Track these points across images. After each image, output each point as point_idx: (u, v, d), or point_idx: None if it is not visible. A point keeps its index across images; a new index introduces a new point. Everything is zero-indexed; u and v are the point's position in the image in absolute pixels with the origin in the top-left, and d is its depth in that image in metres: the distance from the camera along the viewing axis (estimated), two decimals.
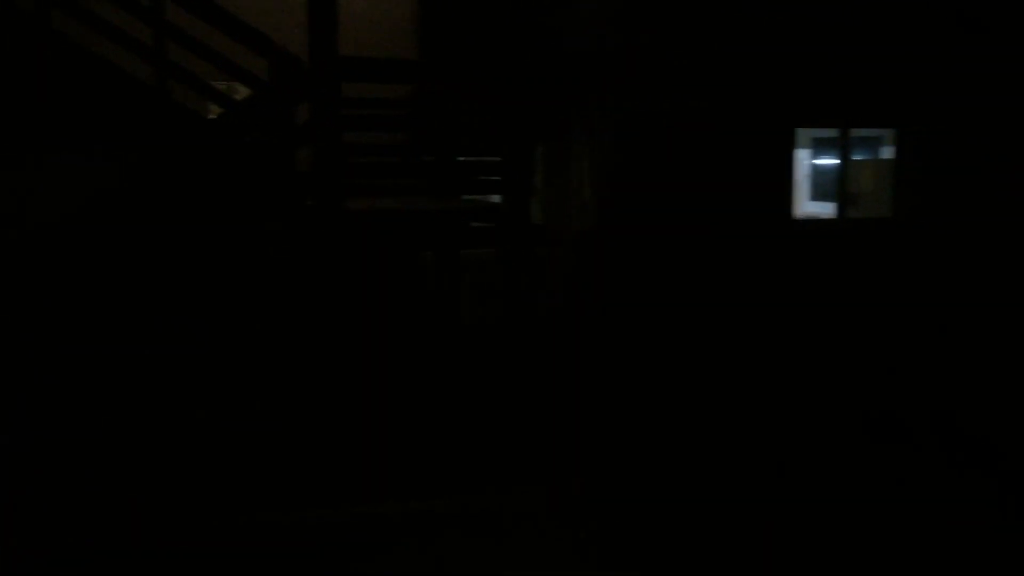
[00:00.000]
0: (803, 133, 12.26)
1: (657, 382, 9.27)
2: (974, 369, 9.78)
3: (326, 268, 7.21)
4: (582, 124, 10.11)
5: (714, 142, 10.18)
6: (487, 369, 8.29)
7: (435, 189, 8.40)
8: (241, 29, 7.59)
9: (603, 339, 9.54)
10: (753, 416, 8.53)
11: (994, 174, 11.08)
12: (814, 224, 11.74)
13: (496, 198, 8.68)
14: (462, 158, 8.38)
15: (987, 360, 10.03)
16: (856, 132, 11.57)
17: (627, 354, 9.46)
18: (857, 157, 12.06)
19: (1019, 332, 10.37)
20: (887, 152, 12.10)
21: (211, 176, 7.40)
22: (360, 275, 7.57)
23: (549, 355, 8.70)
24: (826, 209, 11.92)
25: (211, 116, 10.37)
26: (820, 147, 12.93)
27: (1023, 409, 8.43)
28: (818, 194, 12.93)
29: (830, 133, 11.66)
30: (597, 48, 9.87)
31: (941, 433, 7.89)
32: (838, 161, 11.33)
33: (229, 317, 7.30)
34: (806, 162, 13.15)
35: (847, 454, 7.28)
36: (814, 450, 7.41)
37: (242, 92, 9.56)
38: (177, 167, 7.37)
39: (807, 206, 13.06)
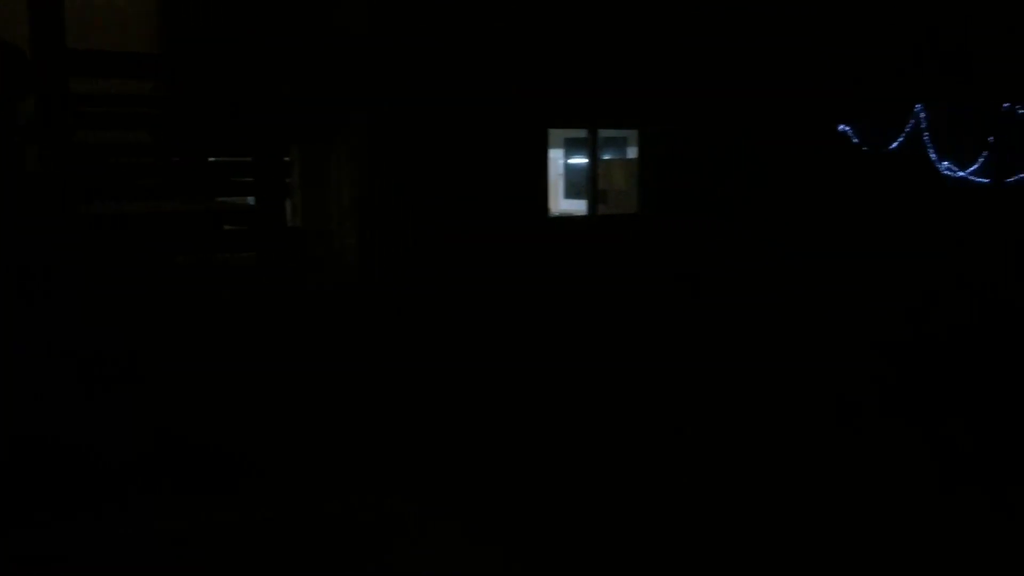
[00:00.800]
0: (556, 134, 12.80)
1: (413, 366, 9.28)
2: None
3: (55, 279, 6.65)
4: (342, 124, 10.00)
5: (472, 143, 10.41)
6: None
7: (186, 191, 8.00)
8: None
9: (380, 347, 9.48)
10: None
11: (725, 171, 12.12)
12: (568, 221, 12.30)
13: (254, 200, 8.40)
14: (213, 159, 8.03)
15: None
16: (604, 133, 12.25)
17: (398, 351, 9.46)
18: (606, 157, 12.76)
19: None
20: (633, 152, 12.91)
21: None
22: (98, 284, 7.04)
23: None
24: (578, 206, 12.53)
25: None
26: (572, 147, 13.55)
27: None
28: (571, 192, 13.57)
29: (581, 133, 12.26)
30: (356, 48, 9.80)
31: None
32: (588, 161, 11.94)
33: None
34: (560, 162, 13.75)
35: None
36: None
37: None
38: None
39: (562, 204, 13.67)
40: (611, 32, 11.19)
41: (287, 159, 8.43)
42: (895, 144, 13.73)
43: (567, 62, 10.95)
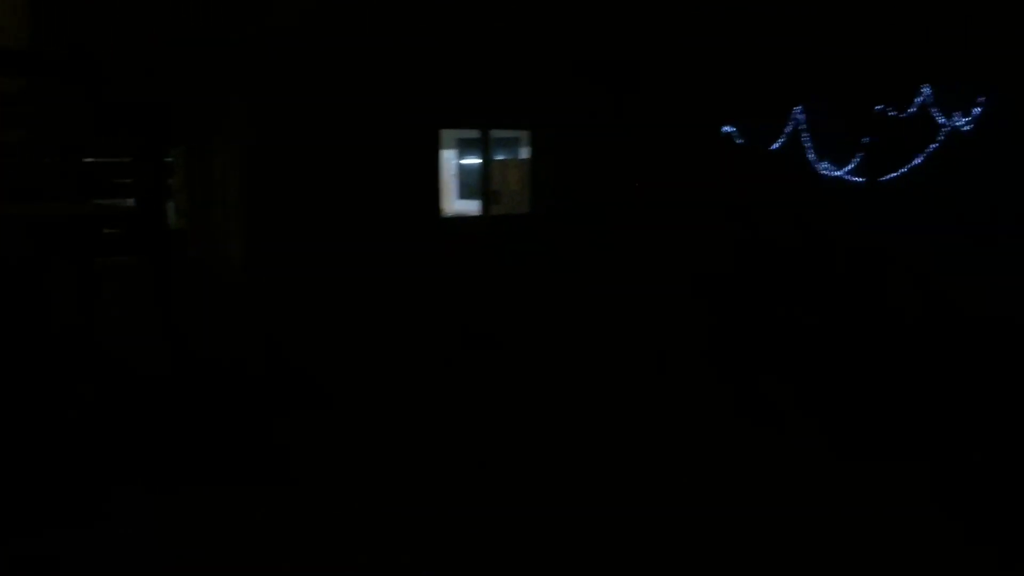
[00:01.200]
0: (450, 135, 12.82)
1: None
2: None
3: None
4: (226, 123, 9.78)
5: (362, 142, 10.31)
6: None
7: (62, 193, 7.70)
8: None
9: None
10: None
11: (612, 173, 12.37)
12: (461, 221, 12.33)
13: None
14: (90, 159, 7.77)
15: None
16: (497, 133, 12.33)
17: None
18: (498, 157, 12.85)
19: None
20: (525, 152, 13.03)
21: None
22: None
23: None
24: (472, 206, 12.58)
25: None
26: (465, 148, 13.58)
27: None
28: (465, 193, 13.59)
29: (474, 134, 12.31)
30: (239, 45, 9.59)
31: None
32: (481, 161, 12.01)
33: None
34: (453, 162, 13.75)
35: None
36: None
37: None
38: None
39: (456, 204, 13.68)
40: (503, 34, 11.27)
41: (168, 160, 8.22)
42: (776, 144, 14.25)
43: (459, 63, 10.99)
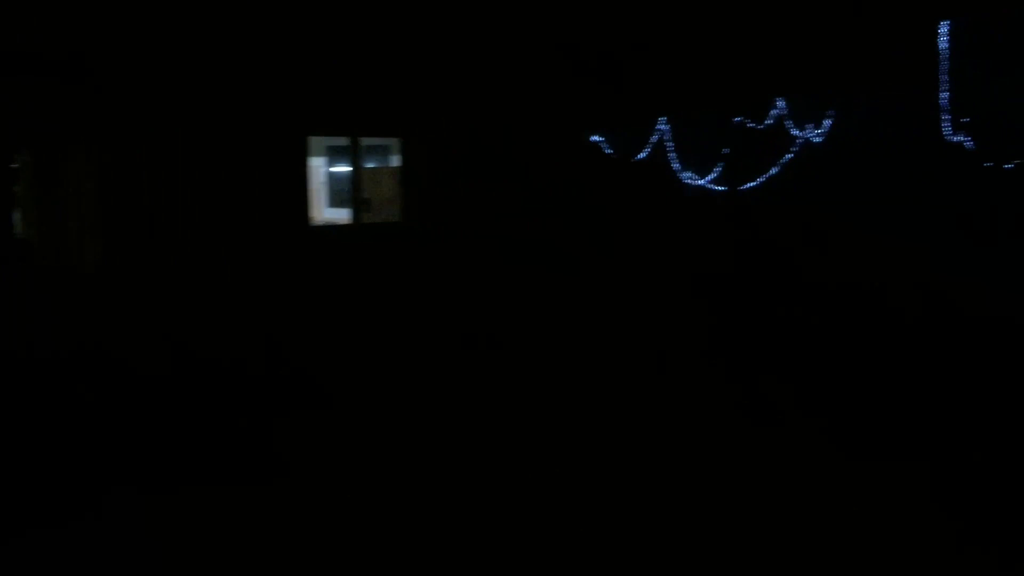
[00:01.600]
0: (320, 142, 12.66)
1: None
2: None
3: None
4: (80, 130, 9.34)
5: (226, 149, 10.05)
6: None
7: None
8: None
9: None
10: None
11: (483, 181, 12.45)
12: (331, 229, 12.18)
13: None
14: None
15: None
16: (368, 141, 12.24)
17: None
18: (370, 165, 12.77)
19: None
20: (396, 160, 13.00)
21: None
22: None
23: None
24: (343, 215, 12.43)
25: None
26: (335, 155, 13.41)
27: None
28: (336, 201, 13.41)
29: (344, 141, 12.19)
30: (92, 46, 9.18)
31: None
32: (351, 169, 11.88)
33: None
34: (323, 170, 13.57)
35: None
36: None
37: None
38: None
39: (326, 213, 13.49)
40: (372, 41, 11.20)
41: (14, 166, 7.80)
42: (642, 154, 14.67)
43: (327, 70, 10.85)
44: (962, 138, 11.28)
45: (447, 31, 11.89)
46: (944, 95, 11.40)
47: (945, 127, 11.38)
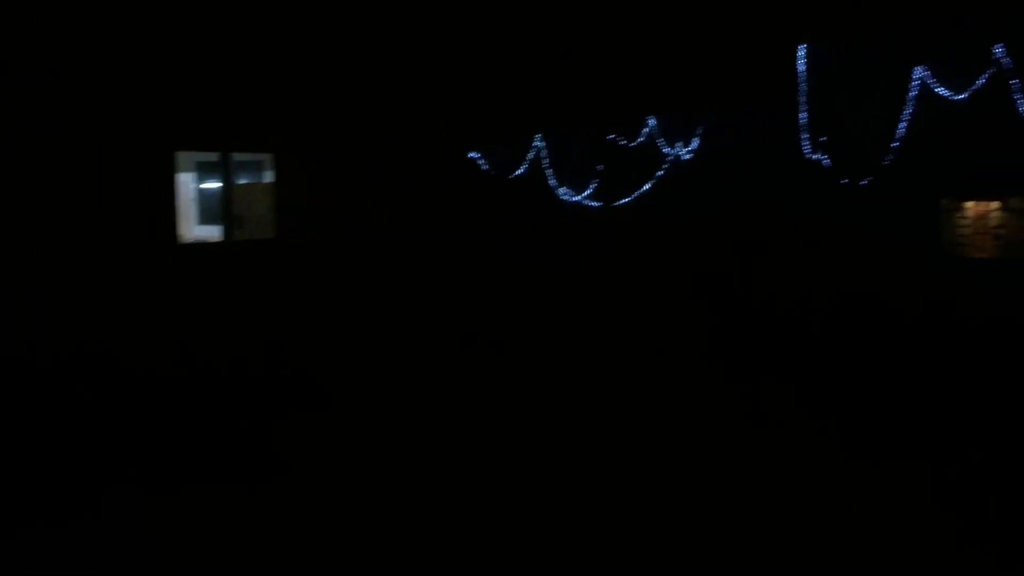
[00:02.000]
0: (188, 158, 12.19)
1: None
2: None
3: None
4: None
5: (87, 163, 9.58)
6: None
7: None
8: None
9: None
10: None
11: (364, 193, 12.31)
12: (201, 247, 11.76)
13: None
14: None
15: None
16: (240, 156, 11.90)
17: None
18: (242, 181, 12.39)
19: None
20: (271, 176, 12.66)
21: None
22: None
23: None
24: (214, 232, 12.03)
25: None
26: (205, 171, 12.96)
27: None
28: (207, 218, 12.96)
29: (215, 157, 11.80)
30: None
31: None
32: (222, 185, 11.53)
33: None
34: (192, 186, 13.08)
35: None
36: None
37: None
38: None
39: (196, 230, 13.01)
40: (243, 55, 10.92)
41: None
42: (520, 171, 14.83)
43: (196, 82, 10.51)
44: (820, 156, 11.89)
45: (320, 46, 11.72)
46: (803, 115, 12.00)
47: (805, 146, 11.98)
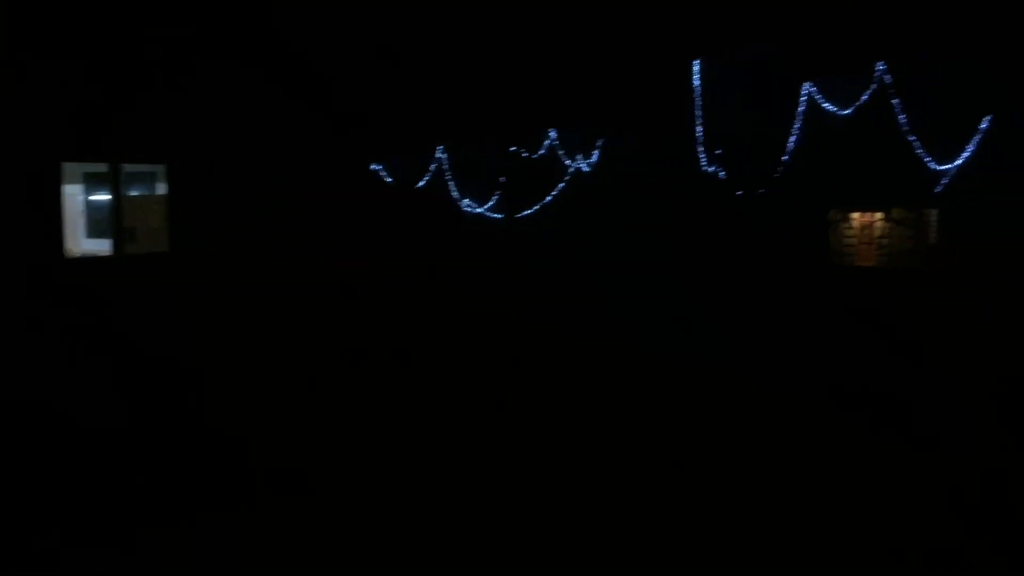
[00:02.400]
0: (75, 169, 11.69)
1: None
2: None
3: None
4: None
5: None
6: None
7: None
8: None
9: None
10: None
11: (263, 204, 12.05)
12: (90, 262, 11.30)
13: None
14: None
15: None
16: (130, 168, 11.49)
17: None
18: (133, 193, 11.95)
19: None
20: (164, 188, 12.26)
21: None
22: None
23: None
24: (104, 246, 11.56)
25: None
26: (94, 183, 12.42)
27: None
28: (96, 231, 12.44)
29: (104, 167, 11.35)
30: None
31: None
32: (112, 197, 11.10)
33: None
34: (80, 198, 12.51)
35: None
36: None
37: None
38: None
39: (84, 244, 12.47)
40: (130, 63, 10.56)
41: None
42: (422, 182, 14.77)
43: (81, 91, 10.11)
44: (716, 168, 12.22)
45: (212, 55, 11.44)
46: (699, 129, 12.31)
47: (701, 158, 12.28)
